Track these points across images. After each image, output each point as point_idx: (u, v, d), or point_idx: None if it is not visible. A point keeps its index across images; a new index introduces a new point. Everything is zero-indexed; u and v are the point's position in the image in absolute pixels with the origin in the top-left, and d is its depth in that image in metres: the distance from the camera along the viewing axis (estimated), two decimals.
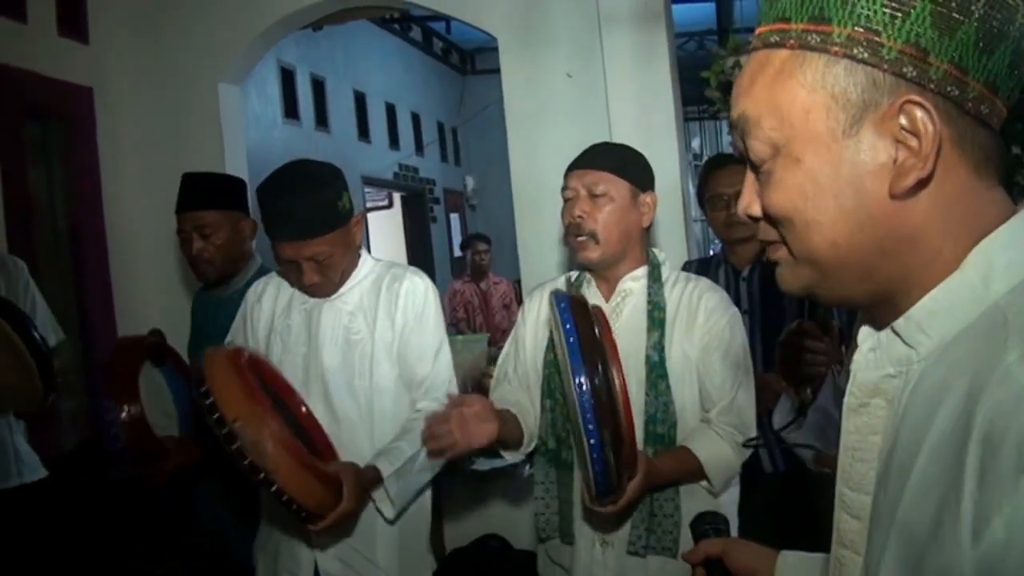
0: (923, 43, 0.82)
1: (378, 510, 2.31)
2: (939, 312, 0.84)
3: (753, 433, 2.24)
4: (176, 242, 3.11)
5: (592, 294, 2.31)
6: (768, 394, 2.47)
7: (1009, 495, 0.69)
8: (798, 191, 0.87)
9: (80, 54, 4.32)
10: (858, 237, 0.86)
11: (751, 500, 2.43)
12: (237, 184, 3.14)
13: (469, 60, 13.36)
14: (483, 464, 4.04)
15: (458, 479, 3.97)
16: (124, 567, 3.54)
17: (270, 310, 2.48)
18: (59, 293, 4.13)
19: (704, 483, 2.22)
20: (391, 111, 11.20)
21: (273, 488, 1.98)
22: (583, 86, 4.04)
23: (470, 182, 13.32)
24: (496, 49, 4.31)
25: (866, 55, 0.83)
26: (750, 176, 0.95)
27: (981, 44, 0.82)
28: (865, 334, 0.95)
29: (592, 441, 1.85)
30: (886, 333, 0.91)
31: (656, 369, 2.19)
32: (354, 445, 2.34)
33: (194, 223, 2.91)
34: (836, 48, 0.84)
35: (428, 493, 2.50)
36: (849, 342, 1.05)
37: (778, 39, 0.89)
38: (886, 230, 0.86)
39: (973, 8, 0.82)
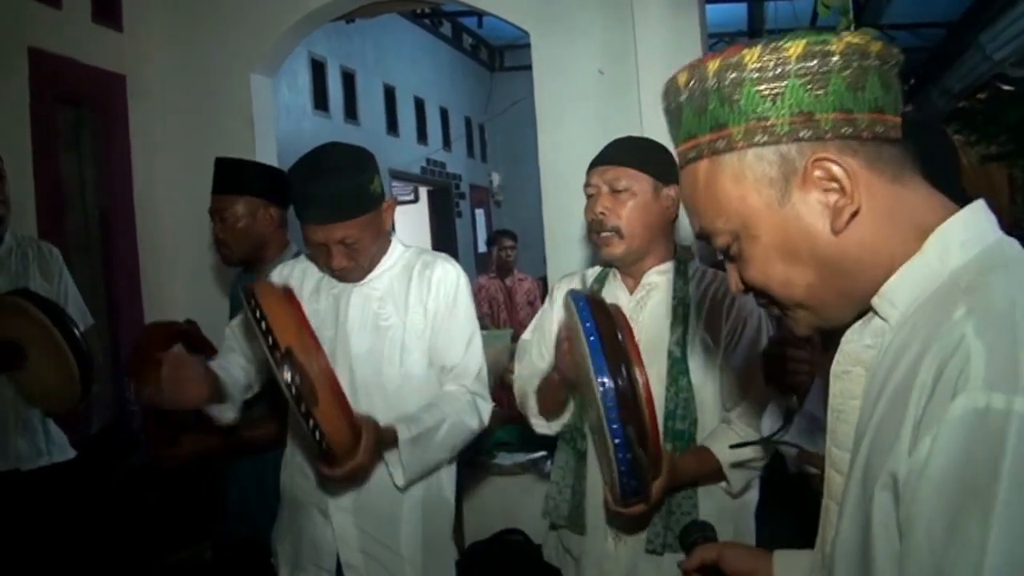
0: (805, 108, 0.97)
1: (390, 474, 2.27)
2: (903, 286, 0.99)
3: None
4: (204, 230, 3.13)
5: (616, 287, 2.29)
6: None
7: (938, 420, 0.84)
8: (764, 261, 1.03)
9: (114, 41, 4.35)
10: (825, 273, 1.01)
11: (773, 502, 2.41)
12: (264, 171, 3.12)
13: (498, 56, 13.35)
14: (505, 458, 4.05)
15: (480, 473, 3.97)
16: (150, 550, 3.57)
17: (297, 293, 2.46)
18: (88, 278, 4.17)
19: (723, 484, 2.20)
20: (420, 106, 11.21)
21: (311, 422, 1.97)
22: (615, 83, 4.03)
23: (496, 178, 13.31)
24: (525, 46, 4.31)
25: (765, 138, 0.99)
26: (728, 265, 1.10)
27: (852, 85, 0.97)
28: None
29: (617, 441, 1.82)
30: (869, 312, 1.05)
31: (677, 365, 2.17)
32: None
33: (215, 206, 2.94)
34: (740, 143, 1.00)
35: (452, 485, 2.48)
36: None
37: (694, 154, 1.05)
38: (843, 259, 1.00)
39: (831, 64, 0.97)
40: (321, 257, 2.32)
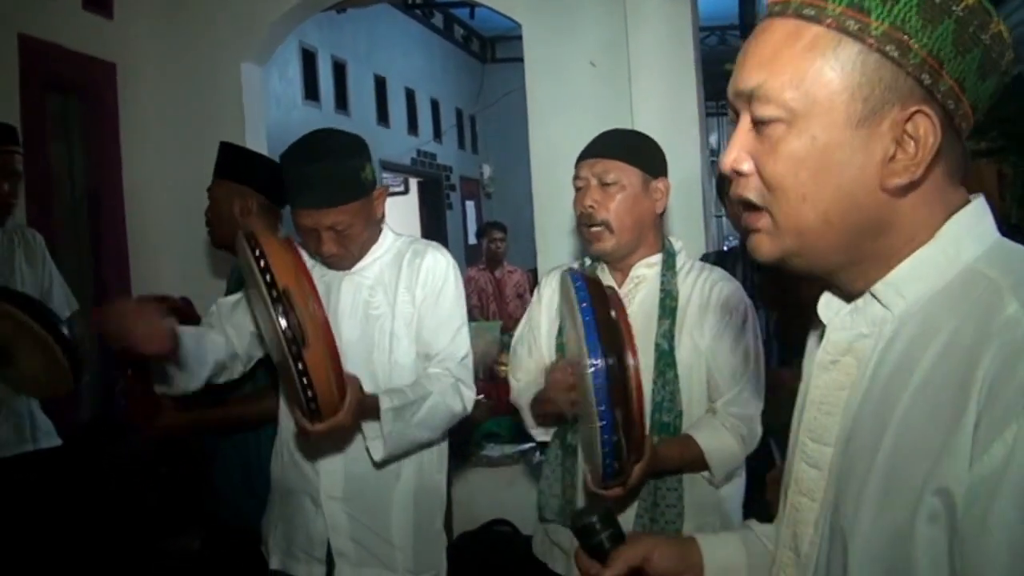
0: (942, 56, 0.88)
1: (367, 449, 2.26)
2: (915, 276, 0.94)
3: (758, 428, 2.23)
4: (193, 217, 3.14)
5: (605, 280, 2.30)
6: (784, 392, 2.45)
7: (1012, 422, 0.77)
8: (802, 164, 0.92)
9: (104, 29, 4.34)
10: (849, 217, 0.93)
11: (761, 494, 2.41)
12: (250, 158, 3.14)
13: (489, 48, 13.32)
14: (494, 449, 4.06)
15: (469, 464, 3.99)
16: (139, 538, 3.57)
17: None
18: (77, 265, 4.16)
19: (705, 473, 2.21)
20: (411, 96, 11.19)
21: (300, 365, 1.95)
22: (607, 76, 4.03)
23: (487, 170, 13.29)
24: (517, 38, 4.31)
25: (896, 54, 0.88)
26: (740, 130, 0.97)
27: (981, 70, 0.90)
28: (827, 300, 1.05)
29: (603, 422, 1.83)
30: (865, 298, 0.99)
31: (665, 358, 2.18)
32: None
33: (210, 187, 3.01)
34: (872, 40, 0.89)
35: (443, 474, 2.49)
36: None
37: (813, 13, 0.92)
38: (873, 216, 0.93)
39: (983, 37, 0.89)
40: (311, 243, 2.31)
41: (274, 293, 1.95)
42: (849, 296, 1.02)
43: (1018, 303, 0.84)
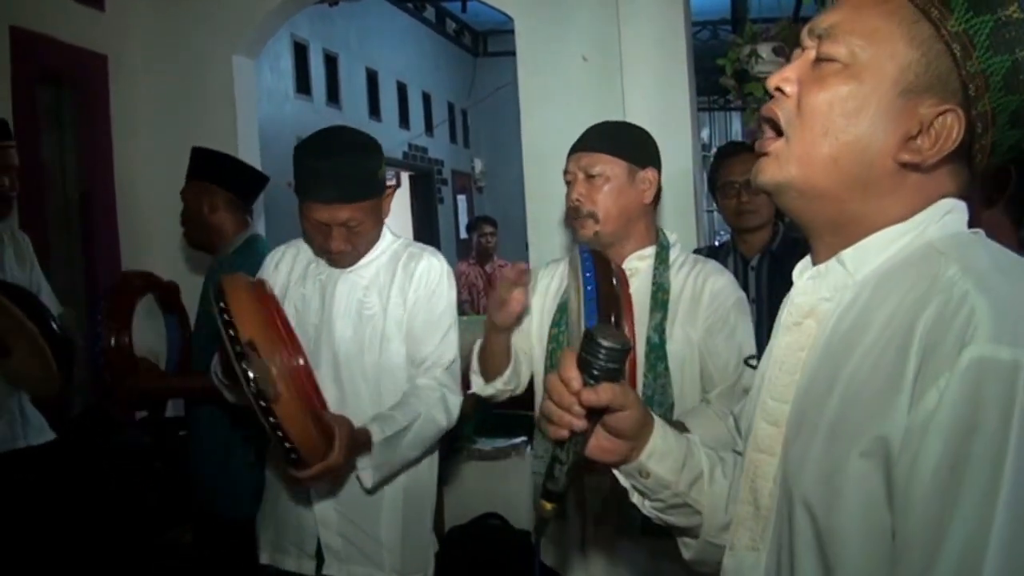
0: (991, 82, 0.97)
1: (358, 478, 2.26)
2: (881, 247, 1.02)
3: None
4: None
5: None
6: None
7: (945, 371, 0.85)
8: (840, 103, 1.01)
9: (96, 21, 4.32)
10: (854, 168, 1.01)
11: None
12: (217, 157, 3.25)
13: (481, 42, 13.33)
14: (484, 443, 4.07)
15: (459, 457, 3.99)
16: (130, 534, 3.57)
17: (285, 278, 2.46)
18: (68, 258, 4.15)
19: None
20: (402, 90, 11.20)
21: (271, 419, 1.94)
22: (598, 70, 4.03)
23: (478, 164, 13.31)
24: (509, 32, 4.30)
25: (959, 55, 0.97)
26: (801, 60, 1.06)
27: (1015, 117, 0.99)
28: (803, 266, 1.12)
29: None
30: (829, 263, 1.06)
31: (656, 351, 2.18)
32: (359, 421, 2.31)
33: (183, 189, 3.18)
34: (945, 33, 0.98)
35: (434, 474, 2.50)
36: None
37: None
38: (873, 177, 1.01)
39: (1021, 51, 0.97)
40: (318, 238, 2.32)
41: (238, 348, 1.93)
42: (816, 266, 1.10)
43: (958, 267, 0.92)
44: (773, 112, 1.06)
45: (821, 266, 1.07)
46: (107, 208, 4.39)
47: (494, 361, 2.29)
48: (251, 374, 1.91)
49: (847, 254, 1.04)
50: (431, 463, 2.49)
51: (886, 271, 1.01)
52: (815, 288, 1.08)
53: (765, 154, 1.06)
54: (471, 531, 3.89)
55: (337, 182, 2.21)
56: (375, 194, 2.29)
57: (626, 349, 1.13)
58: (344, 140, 2.31)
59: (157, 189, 4.38)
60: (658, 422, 1.23)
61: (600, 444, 1.19)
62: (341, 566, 2.37)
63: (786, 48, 4.02)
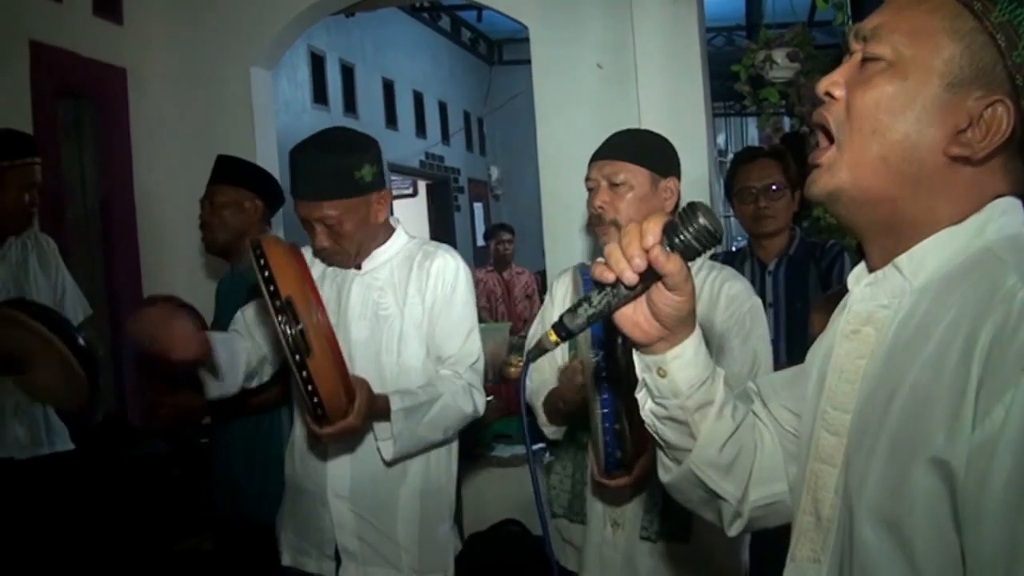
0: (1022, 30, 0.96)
1: (378, 449, 2.28)
2: (937, 251, 1.01)
3: None
4: None
5: None
6: None
7: (1011, 387, 0.84)
8: (887, 102, 1.01)
9: (114, 35, 4.36)
10: (904, 165, 1.00)
11: None
12: (257, 170, 3.28)
13: (496, 51, 13.34)
14: (503, 450, 4.07)
15: (478, 464, 4.00)
16: (151, 541, 3.59)
17: None
18: (88, 271, 4.18)
19: None
20: (419, 99, 11.22)
21: (304, 372, 1.99)
22: (613, 77, 4.04)
23: (494, 172, 13.32)
24: (524, 40, 4.32)
25: (1004, 44, 0.97)
26: (849, 63, 1.06)
27: None
28: (858, 273, 1.11)
29: (605, 411, 1.85)
30: (885, 270, 1.05)
31: None
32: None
33: (208, 193, 3.14)
34: (988, 24, 0.98)
35: (452, 475, 2.50)
36: None
37: None
38: (925, 174, 1.00)
39: None
40: (308, 234, 2.35)
41: (277, 303, 1.99)
42: (872, 272, 1.08)
43: (1017, 276, 0.91)
44: (824, 118, 1.06)
45: (878, 272, 1.06)
46: (127, 220, 4.43)
47: (560, 414, 2.30)
48: (289, 330, 1.98)
49: (903, 260, 1.03)
50: (449, 463, 2.49)
51: (946, 277, 0.99)
52: (872, 295, 1.07)
53: (817, 166, 1.06)
54: (490, 537, 3.89)
55: (313, 179, 2.25)
56: (353, 193, 2.28)
57: (718, 237, 1.06)
58: (329, 139, 2.33)
59: (176, 201, 4.41)
60: (697, 333, 1.17)
61: (635, 317, 1.12)
62: (359, 568, 2.38)
63: (800, 53, 4.02)
